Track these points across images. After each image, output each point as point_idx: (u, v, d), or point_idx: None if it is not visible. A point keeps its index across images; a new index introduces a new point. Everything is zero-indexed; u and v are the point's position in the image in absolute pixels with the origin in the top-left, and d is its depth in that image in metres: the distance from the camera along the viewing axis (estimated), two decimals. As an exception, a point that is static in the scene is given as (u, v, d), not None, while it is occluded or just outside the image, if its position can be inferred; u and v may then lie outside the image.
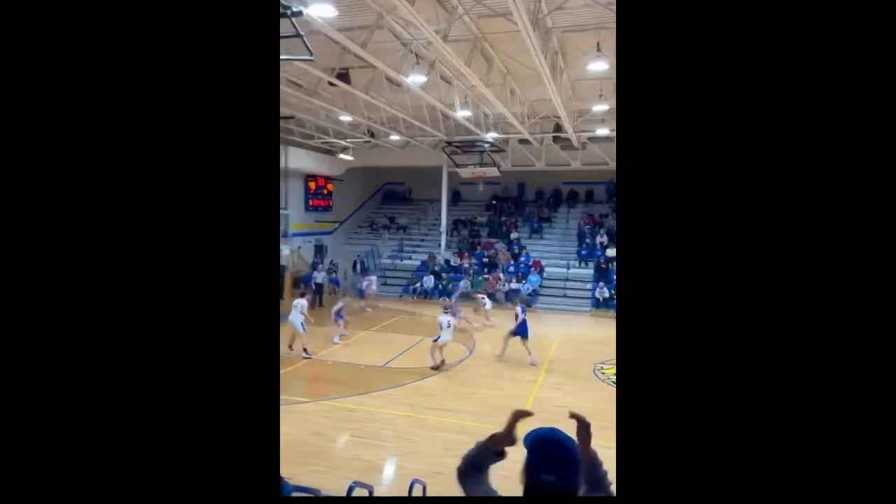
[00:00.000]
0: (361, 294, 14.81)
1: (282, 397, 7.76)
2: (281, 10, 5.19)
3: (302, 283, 15.21)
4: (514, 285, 16.08)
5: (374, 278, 16.08)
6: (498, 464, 1.37)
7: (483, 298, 13.15)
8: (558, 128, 13.64)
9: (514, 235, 18.82)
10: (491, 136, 14.28)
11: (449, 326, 9.17)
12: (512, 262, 17.32)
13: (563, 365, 9.91)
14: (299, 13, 5.30)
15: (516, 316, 9.70)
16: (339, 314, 11.28)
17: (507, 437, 1.21)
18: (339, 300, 11.93)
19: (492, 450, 1.26)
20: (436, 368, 9.12)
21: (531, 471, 1.16)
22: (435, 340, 9.23)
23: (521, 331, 9.50)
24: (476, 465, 1.31)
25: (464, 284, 16.42)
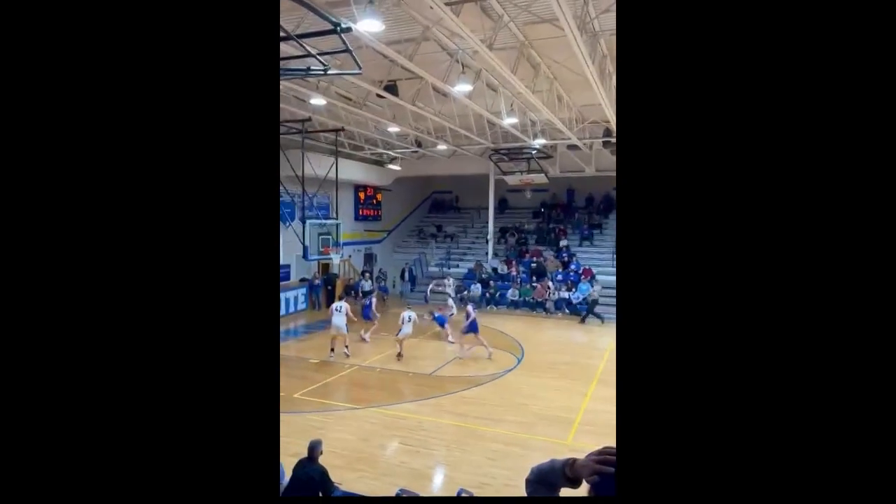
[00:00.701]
0: (426, 300, 15.01)
1: (332, 403, 7.93)
2: (331, 27, 5.37)
3: (353, 291, 15.58)
4: (563, 294, 15.77)
5: (449, 281, 15.88)
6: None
7: (449, 302, 13.50)
8: (608, 132, 13.34)
9: (563, 243, 18.49)
10: (538, 142, 14.14)
11: (410, 321, 10.16)
12: (561, 270, 17.01)
13: (614, 376, 9.61)
14: (348, 29, 5.46)
15: (467, 314, 10.71)
16: (366, 311, 11.80)
17: (587, 470, 1.16)
18: (370, 296, 12.53)
19: (567, 475, 1.21)
20: (399, 357, 10.23)
21: (598, 492, 1.12)
22: (397, 334, 10.26)
23: (472, 328, 10.56)
24: (546, 482, 1.27)
25: (511, 293, 16.29)
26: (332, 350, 10.30)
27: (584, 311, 15.18)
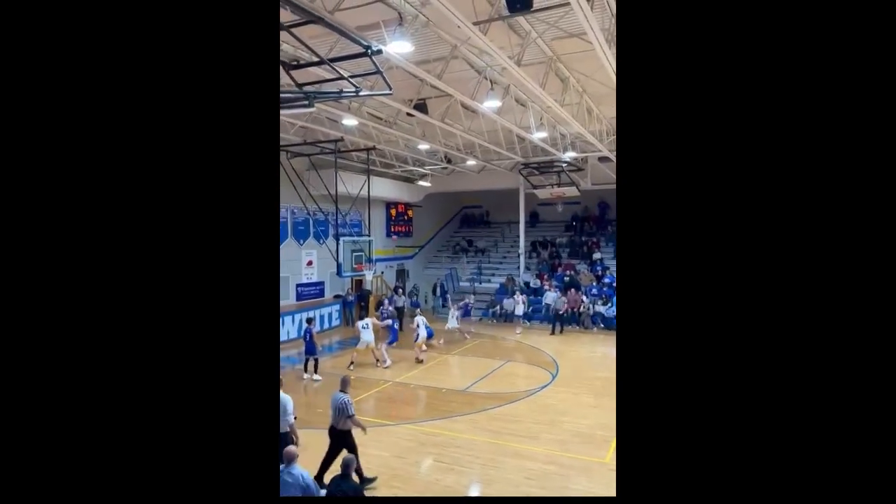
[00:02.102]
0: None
1: (366, 419, 7.97)
2: (362, 50, 5.52)
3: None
4: (598, 308, 15.48)
5: (519, 298, 15.51)
6: None
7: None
8: (640, 143, 13.11)
9: (596, 256, 18.22)
10: (569, 155, 14.05)
11: (366, 327, 10.77)
12: (595, 284, 16.72)
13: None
14: (379, 52, 5.60)
15: (388, 327, 11.73)
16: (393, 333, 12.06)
17: None
18: (384, 307, 12.94)
19: None
20: (389, 368, 10.78)
21: None
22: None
23: (393, 339, 11.55)
24: None
25: (551, 298, 16.08)
26: (353, 363, 10.68)
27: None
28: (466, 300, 15.67)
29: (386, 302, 14.77)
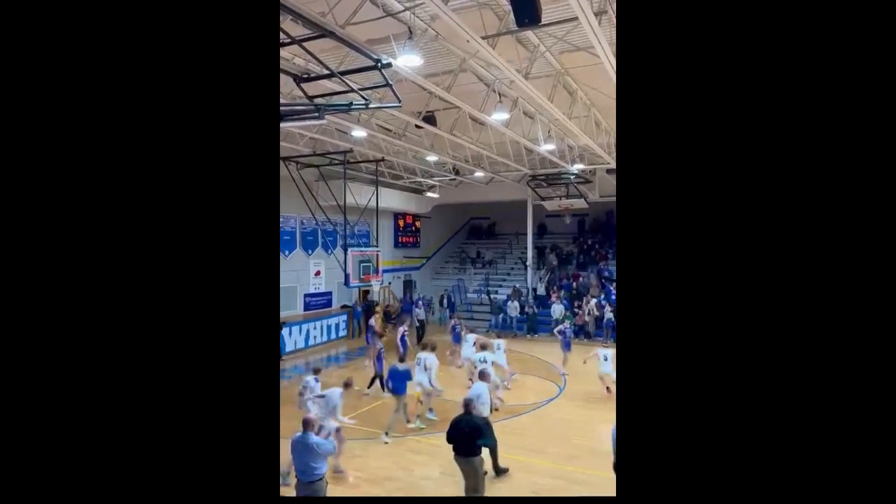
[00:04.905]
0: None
1: (373, 431, 7.92)
2: (372, 63, 5.59)
3: (394, 319, 15.60)
4: (607, 313, 15.38)
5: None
6: None
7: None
8: (648, 155, 13.10)
9: (604, 266, 18.15)
10: (577, 167, 14.07)
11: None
12: (603, 296, 16.63)
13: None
14: (388, 65, 5.67)
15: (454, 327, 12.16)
16: (402, 339, 11.26)
17: None
18: (402, 325, 12.15)
19: None
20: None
21: None
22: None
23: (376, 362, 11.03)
24: None
25: (556, 311, 15.99)
26: (369, 390, 10.30)
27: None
28: (564, 328, 11.81)
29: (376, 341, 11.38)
